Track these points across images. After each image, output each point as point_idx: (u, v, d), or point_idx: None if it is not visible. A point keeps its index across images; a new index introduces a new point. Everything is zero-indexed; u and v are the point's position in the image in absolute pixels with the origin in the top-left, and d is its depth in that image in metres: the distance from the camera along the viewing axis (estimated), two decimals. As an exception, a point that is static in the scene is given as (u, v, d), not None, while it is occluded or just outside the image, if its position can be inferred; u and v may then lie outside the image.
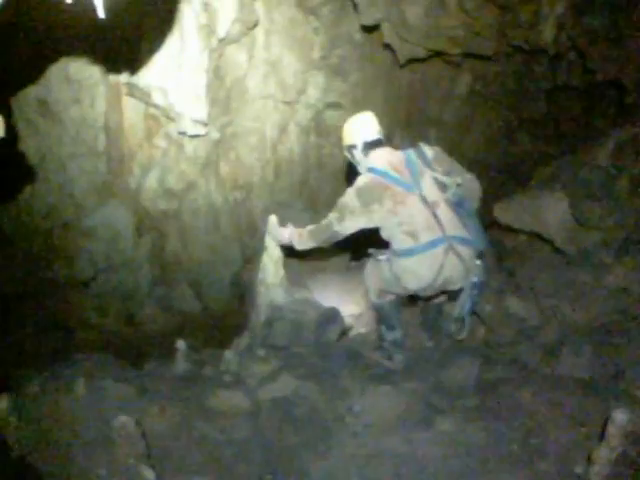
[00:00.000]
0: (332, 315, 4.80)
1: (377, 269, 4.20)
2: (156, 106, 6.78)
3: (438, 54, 7.07)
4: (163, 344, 6.68)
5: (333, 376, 4.00)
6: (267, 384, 3.95)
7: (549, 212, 4.74)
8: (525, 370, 3.84)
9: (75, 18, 4.84)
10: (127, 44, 6.21)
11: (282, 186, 8.09)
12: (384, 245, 4.10)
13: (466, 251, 3.86)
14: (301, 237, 4.29)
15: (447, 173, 3.98)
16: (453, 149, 8.20)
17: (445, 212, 3.87)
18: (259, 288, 4.93)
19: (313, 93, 7.82)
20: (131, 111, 7.10)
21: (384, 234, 4.02)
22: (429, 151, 4.05)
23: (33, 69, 6.62)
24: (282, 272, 4.90)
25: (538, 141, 8.35)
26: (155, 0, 5.80)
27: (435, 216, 3.83)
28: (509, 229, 5.05)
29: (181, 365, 4.63)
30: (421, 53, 6.93)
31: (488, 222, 5.89)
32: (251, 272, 6.17)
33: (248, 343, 4.68)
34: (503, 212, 4.95)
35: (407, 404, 3.55)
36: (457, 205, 3.94)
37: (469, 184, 4.10)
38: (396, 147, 4.21)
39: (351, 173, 4.43)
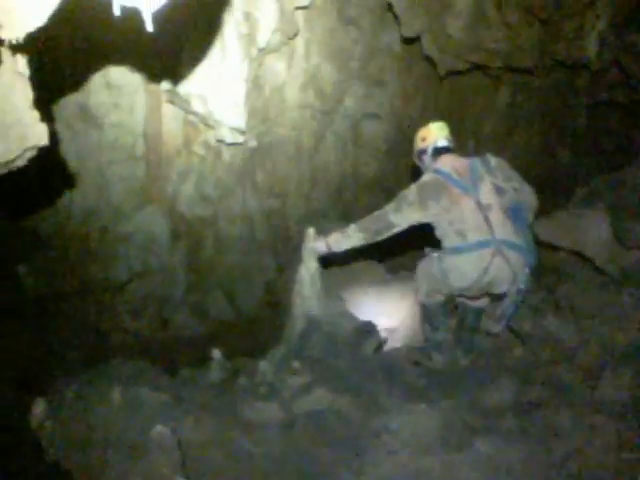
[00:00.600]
0: (368, 329, 4.78)
1: (428, 266, 4.39)
2: (195, 114, 6.83)
3: (478, 67, 7.03)
4: (196, 350, 6.72)
5: (369, 391, 3.97)
6: (302, 397, 3.93)
7: (590, 231, 4.67)
8: (564, 392, 3.78)
9: (120, 28, 4.90)
10: (168, 52, 6.25)
11: (317, 195, 8.08)
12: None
13: (515, 256, 4.05)
14: (344, 234, 4.46)
15: (507, 179, 4.21)
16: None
17: (498, 216, 4.07)
18: (295, 300, 4.92)
19: (351, 103, 7.82)
20: (170, 118, 7.15)
21: (437, 233, 4.26)
22: (493, 159, 4.31)
23: (74, 74, 6.69)
24: (318, 284, 4.89)
25: (578, 156, 8.26)
26: (197, 9, 5.84)
27: (487, 219, 4.04)
28: (549, 246, 4.99)
29: (216, 374, 4.65)
30: (461, 66, 6.89)
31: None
32: (285, 281, 6.18)
33: (283, 354, 4.67)
34: (544, 229, 4.88)
35: (445, 424, 3.50)
36: (513, 212, 4.12)
37: (527, 195, 4.33)
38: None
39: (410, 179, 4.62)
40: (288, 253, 7.67)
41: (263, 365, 4.38)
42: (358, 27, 7.33)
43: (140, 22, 2.74)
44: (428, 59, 7.14)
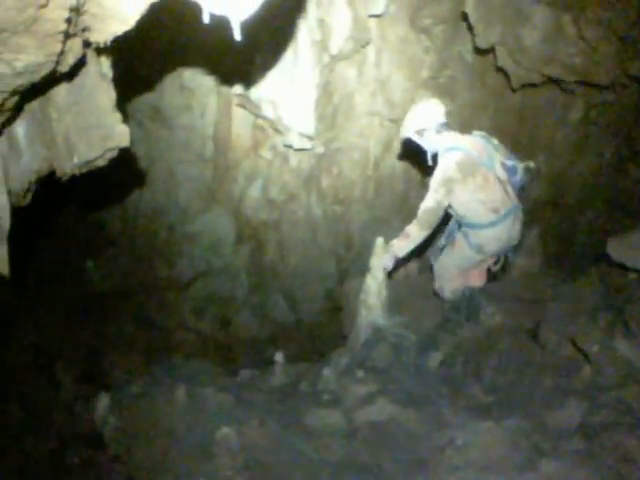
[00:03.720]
0: (433, 341, 4.74)
1: (453, 255, 4.92)
2: (265, 118, 6.90)
3: (552, 80, 6.90)
4: (256, 352, 6.78)
5: (432, 405, 3.93)
6: (365, 406, 3.92)
7: (662, 251, 4.56)
8: (632, 416, 3.69)
9: (198, 32, 4.98)
10: (242, 56, 6.31)
11: (382, 203, 8.04)
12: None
13: (522, 215, 4.77)
14: (409, 239, 4.66)
15: (508, 158, 4.72)
16: (561, 176, 8.00)
17: (510, 188, 4.65)
18: (360, 309, 4.91)
19: (420, 112, 7.76)
20: (240, 121, 7.23)
21: (460, 209, 4.68)
22: (494, 139, 4.77)
23: (149, 75, 6.83)
24: (384, 294, 4.88)
25: (650, 175, 8.06)
26: (272, 15, 5.88)
27: (506, 192, 4.59)
28: (620, 266, 4.87)
29: (279, 377, 4.67)
30: (536, 78, 6.77)
31: (595, 256, 5.71)
32: (348, 288, 6.17)
33: (347, 363, 4.67)
34: (615, 249, 4.77)
35: (511, 443, 3.44)
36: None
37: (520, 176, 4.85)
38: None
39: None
40: (350, 260, 7.67)
41: (326, 372, 4.38)
42: (430, 36, 7.27)
43: (221, 28, 2.78)
44: (501, 70, 7.04)
